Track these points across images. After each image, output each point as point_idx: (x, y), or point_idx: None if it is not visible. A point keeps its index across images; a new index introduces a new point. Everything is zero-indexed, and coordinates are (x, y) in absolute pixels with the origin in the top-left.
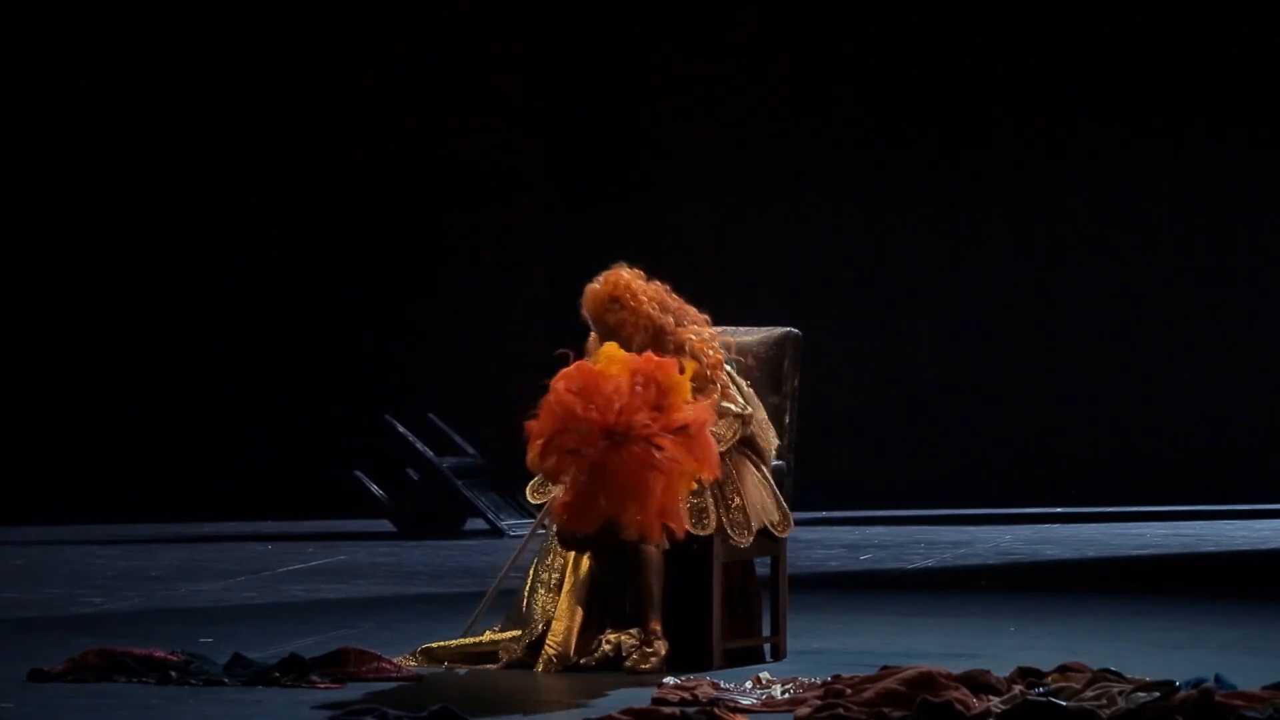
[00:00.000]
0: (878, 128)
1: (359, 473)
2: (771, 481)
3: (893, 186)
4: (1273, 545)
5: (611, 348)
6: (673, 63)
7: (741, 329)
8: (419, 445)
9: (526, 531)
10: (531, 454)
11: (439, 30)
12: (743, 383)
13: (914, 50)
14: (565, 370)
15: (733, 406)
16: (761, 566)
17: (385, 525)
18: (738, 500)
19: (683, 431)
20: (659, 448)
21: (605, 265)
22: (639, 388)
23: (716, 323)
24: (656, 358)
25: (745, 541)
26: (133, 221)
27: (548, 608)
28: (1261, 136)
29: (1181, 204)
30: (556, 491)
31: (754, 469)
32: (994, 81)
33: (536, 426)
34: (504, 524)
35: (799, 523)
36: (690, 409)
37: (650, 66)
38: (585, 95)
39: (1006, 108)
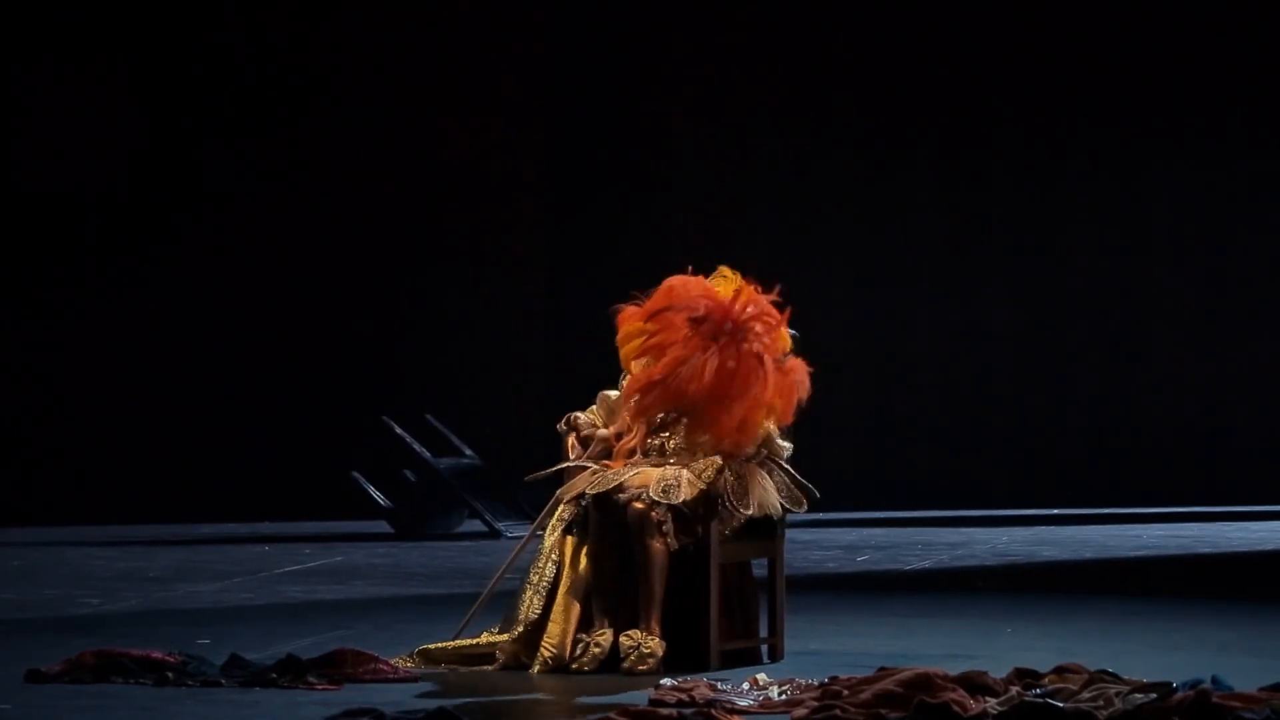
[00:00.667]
0: (877, 128)
1: (356, 474)
2: (773, 481)
3: (892, 187)
4: (1269, 547)
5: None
6: (673, 63)
7: None
8: (416, 446)
9: (524, 533)
10: (635, 319)
11: (438, 31)
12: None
13: (914, 50)
14: (680, 277)
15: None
16: (759, 568)
17: (383, 526)
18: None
19: (781, 363)
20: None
21: (604, 265)
22: (752, 308)
23: None
24: (766, 301)
25: (744, 510)
26: (133, 222)
27: (532, 609)
28: (1261, 137)
29: (1181, 204)
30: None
31: (761, 468)
32: (994, 81)
33: (645, 304)
34: (501, 525)
35: (797, 523)
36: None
37: (650, 66)
38: (585, 95)
39: (1006, 108)
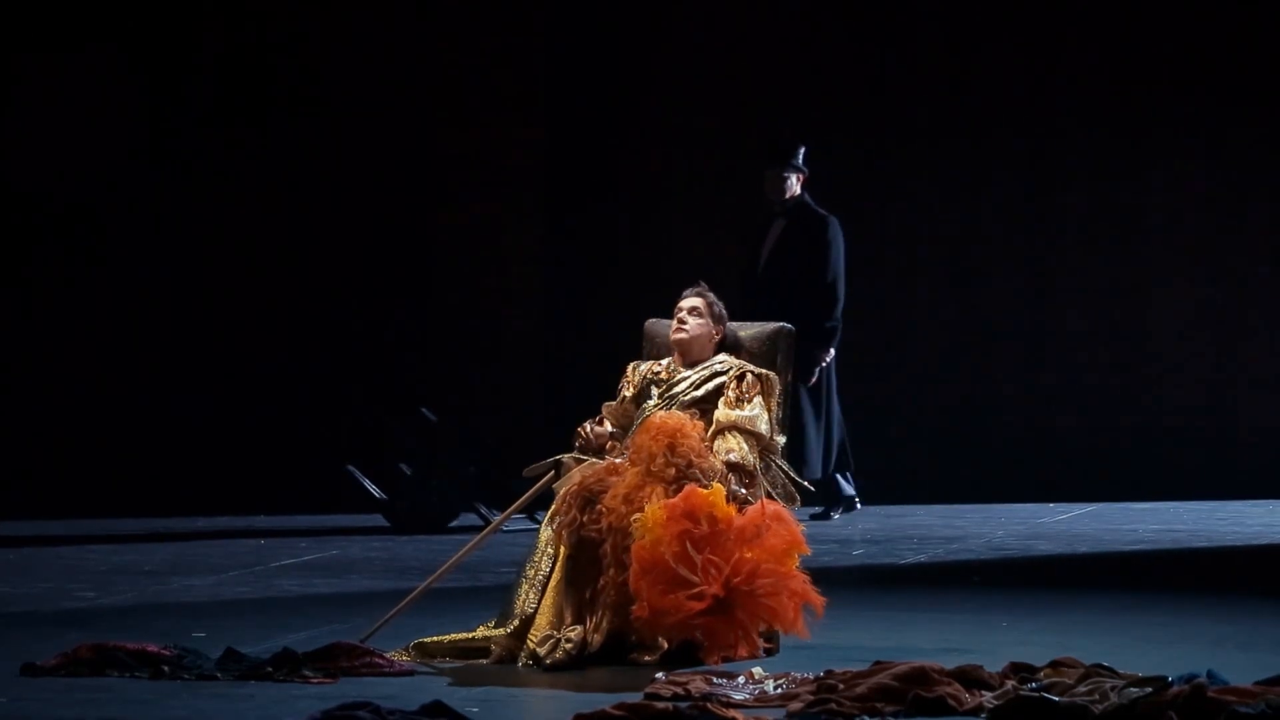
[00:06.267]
0: (876, 126)
1: (352, 467)
2: (768, 478)
3: (891, 185)
4: (1265, 540)
5: (653, 514)
6: (672, 60)
7: (735, 324)
8: (412, 440)
9: (522, 527)
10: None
11: (435, 27)
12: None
13: (912, 49)
14: (637, 563)
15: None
16: None
17: (378, 520)
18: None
19: (757, 538)
20: (756, 580)
21: (602, 264)
22: (690, 545)
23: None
24: (685, 494)
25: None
26: (129, 218)
27: (527, 604)
28: (1258, 138)
29: (1178, 205)
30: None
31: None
32: (993, 80)
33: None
34: (495, 519)
35: None
36: (746, 515)
37: (648, 64)
38: (583, 93)
39: (1006, 106)
